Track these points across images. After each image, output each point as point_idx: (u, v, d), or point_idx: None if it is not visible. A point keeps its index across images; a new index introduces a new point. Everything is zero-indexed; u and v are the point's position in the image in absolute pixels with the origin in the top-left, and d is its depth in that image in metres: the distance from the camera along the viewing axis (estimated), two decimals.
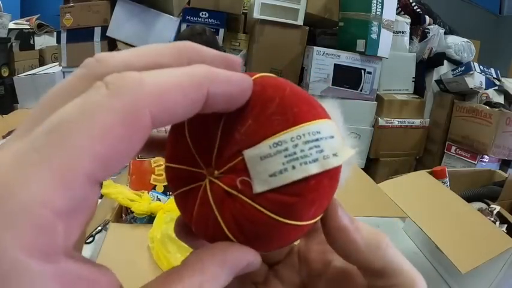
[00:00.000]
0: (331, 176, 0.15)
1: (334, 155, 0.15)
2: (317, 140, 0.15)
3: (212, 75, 0.14)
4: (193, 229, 0.17)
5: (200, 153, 0.16)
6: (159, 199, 0.71)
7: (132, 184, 0.76)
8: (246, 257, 0.15)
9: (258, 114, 0.15)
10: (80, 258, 0.12)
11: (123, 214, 0.72)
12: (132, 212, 0.69)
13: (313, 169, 0.15)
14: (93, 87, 0.12)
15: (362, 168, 1.13)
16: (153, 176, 0.76)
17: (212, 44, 1.37)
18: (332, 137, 0.16)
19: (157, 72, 0.13)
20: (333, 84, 1.88)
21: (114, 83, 0.12)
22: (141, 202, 0.67)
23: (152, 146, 0.19)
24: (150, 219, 0.67)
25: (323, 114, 0.16)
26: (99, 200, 0.75)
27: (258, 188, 0.15)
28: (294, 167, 0.15)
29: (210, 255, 0.14)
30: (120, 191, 0.68)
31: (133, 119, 0.11)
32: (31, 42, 2.56)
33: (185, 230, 0.18)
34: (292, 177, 0.14)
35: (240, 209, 0.15)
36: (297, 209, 0.15)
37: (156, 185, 0.76)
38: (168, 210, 0.65)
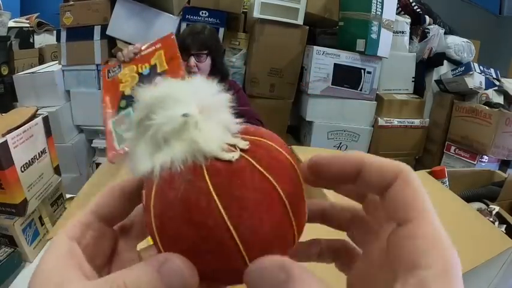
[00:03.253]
0: None
1: None
2: None
3: None
4: None
5: None
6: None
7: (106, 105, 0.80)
8: None
9: None
10: None
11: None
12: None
13: None
14: None
15: None
16: (120, 85, 0.81)
17: (213, 40, 1.30)
18: None
19: None
20: (332, 84, 1.88)
21: None
22: None
23: None
24: None
25: None
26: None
27: None
28: None
29: None
30: None
31: None
32: (31, 40, 2.55)
33: None
34: None
35: None
36: None
37: (123, 92, 0.80)
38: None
